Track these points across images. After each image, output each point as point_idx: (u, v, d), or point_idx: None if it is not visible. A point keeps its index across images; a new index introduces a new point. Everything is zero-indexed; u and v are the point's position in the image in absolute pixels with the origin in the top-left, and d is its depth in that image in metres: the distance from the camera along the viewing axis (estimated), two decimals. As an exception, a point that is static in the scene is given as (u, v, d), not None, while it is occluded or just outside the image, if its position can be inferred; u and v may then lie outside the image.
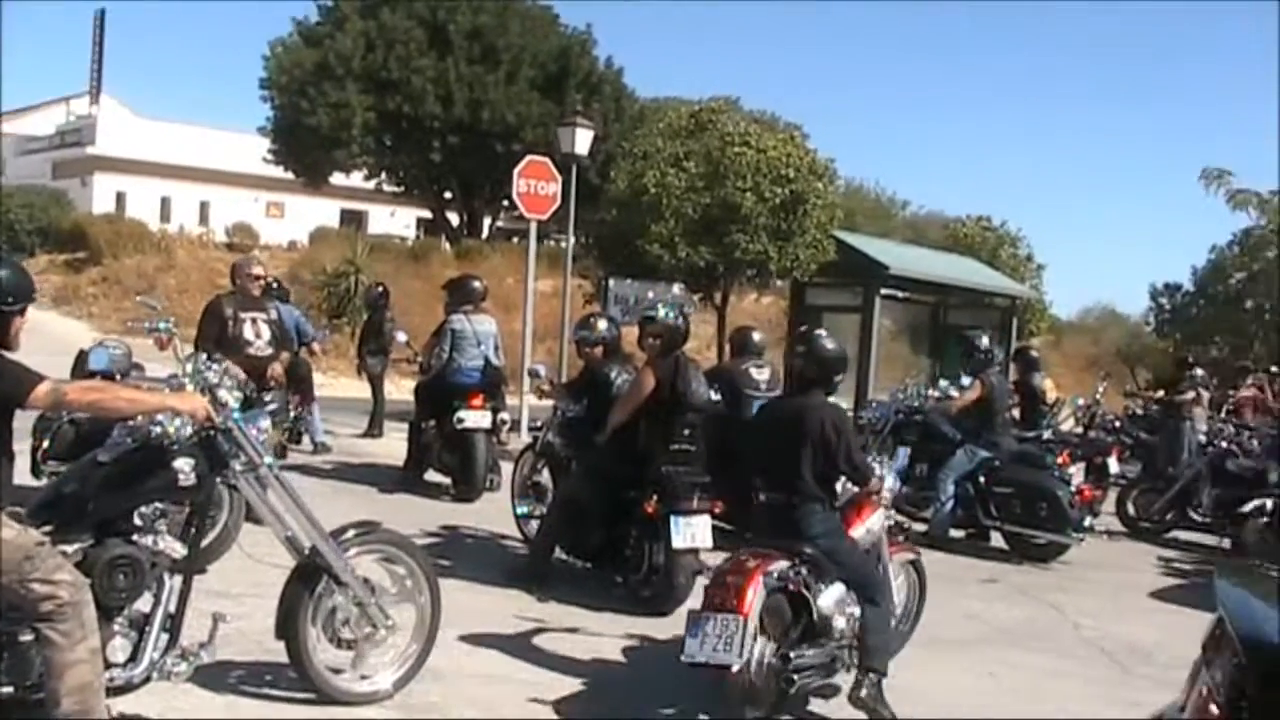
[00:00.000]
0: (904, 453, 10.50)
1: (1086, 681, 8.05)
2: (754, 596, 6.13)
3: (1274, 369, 21.13)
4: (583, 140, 18.56)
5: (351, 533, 6.00)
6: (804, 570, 6.51)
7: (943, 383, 13.92)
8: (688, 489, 8.59)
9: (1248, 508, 12.83)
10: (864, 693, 6.45)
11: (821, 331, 7.31)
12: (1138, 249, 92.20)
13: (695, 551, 8.55)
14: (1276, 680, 3.34)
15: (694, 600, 8.43)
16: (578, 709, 6.52)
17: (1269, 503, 12.42)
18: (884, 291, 19.75)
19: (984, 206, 66.10)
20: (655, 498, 8.49)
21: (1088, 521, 12.25)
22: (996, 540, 12.42)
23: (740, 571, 6.27)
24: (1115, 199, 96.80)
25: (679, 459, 8.77)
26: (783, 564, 6.43)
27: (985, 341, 12.98)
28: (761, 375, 11.19)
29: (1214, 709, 3.55)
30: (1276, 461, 13.24)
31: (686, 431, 8.86)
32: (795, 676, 6.33)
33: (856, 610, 6.67)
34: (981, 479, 12.13)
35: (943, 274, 22.17)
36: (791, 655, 6.36)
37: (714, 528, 8.77)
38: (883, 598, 6.81)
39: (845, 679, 6.71)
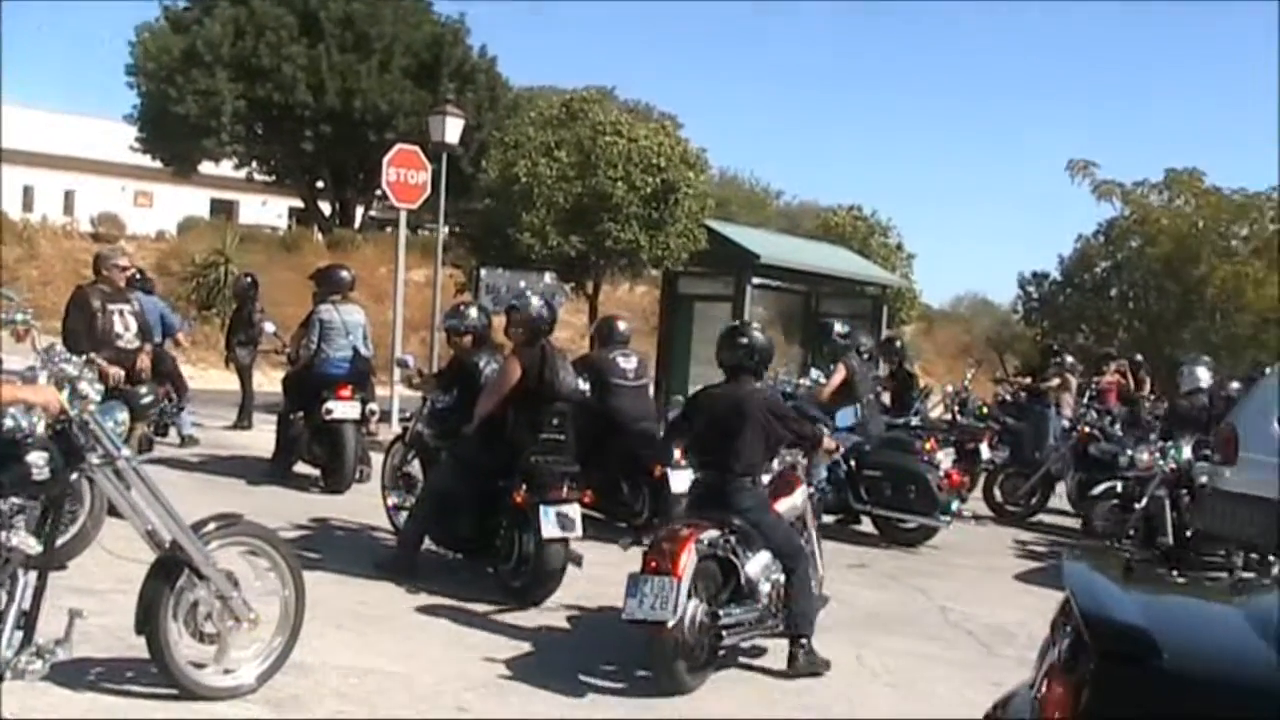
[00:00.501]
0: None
1: (951, 663, 8.19)
2: (687, 561, 6.81)
3: (1139, 357, 21.62)
4: (453, 129, 18.50)
5: (213, 526, 5.93)
6: (733, 539, 7.25)
7: (814, 371, 14.06)
8: (557, 478, 8.61)
9: (1097, 490, 13.09)
10: (800, 662, 7.39)
11: (754, 324, 8.36)
12: (1009, 239, 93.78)
13: (565, 541, 8.57)
14: (1115, 656, 3.42)
15: (564, 590, 8.56)
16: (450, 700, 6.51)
17: (1119, 485, 12.63)
18: (755, 280, 19.88)
19: (857, 196, 66.81)
20: (524, 487, 8.49)
21: (955, 506, 12.47)
22: (866, 525, 12.57)
23: (675, 539, 6.96)
24: (987, 189, 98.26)
25: (548, 448, 8.77)
26: (713, 533, 7.14)
27: (842, 327, 13.17)
28: (629, 364, 11.26)
29: (1058, 686, 3.63)
30: (1130, 446, 13.49)
31: (555, 421, 8.86)
32: (724, 633, 7.05)
33: (780, 577, 7.45)
34: (851, 463, 12.26)
35: (814, 263, 22.37)
36: (720, 614, 7.03)
37: (584, 516, 8.80)
38: (804, 567, 7.59)
39: (768, 642, 7.63)
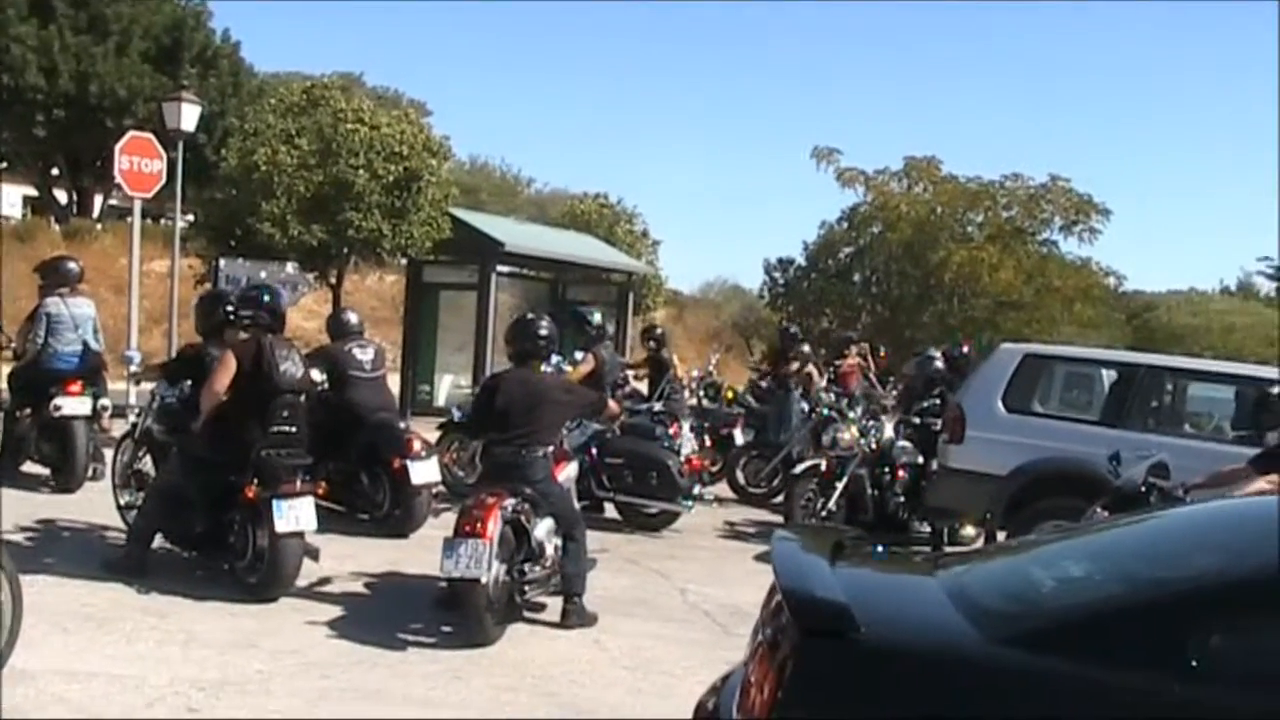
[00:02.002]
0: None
1: (688, 644, 8.29)
2: (494, 525, 7.71)
3: (882, 349, 22.22)
4: (189, 116, 18.10)
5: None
6: (526, 506, 8.16)
7: (555, 358, 14.10)
8: (289, 471, 8.54)
9: (799, 469, 13.23)
10: (572, 619, 8.33)
11: (541, 316, 9.14)
12: (761, 225, 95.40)
13: (300, 534, 8.47)
14: (815, 632, 3.55)
15: (303, 580, 8.49)
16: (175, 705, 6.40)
17: (822, 464, 12.80)
18: (501, 269, 19.92)
19: (608, 184, 67.19)
20: (255, 482, 8.39)
21: (698, 490, 12.63)
22: (610, 511, 12.68)
23: (482, 506, 7.81)
24: (739, 177, 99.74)
25: (278, 441, 8.67)
26: (512, 501, 8.03)
27: (597, 317, 13.24)
28: (366, 355, 11.19)
29: (764, 663, 3.74)
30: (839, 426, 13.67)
31: (285, 413, 8.75)
32: (526, 588, 8.15)
33: (559, 541, 8.45)
34: (594, 450, 12.35)
35: (560, 251, 22.48)
36: (517, 574, 8.06)
37: (320, 508, 8.75)
38: (580, 531, 8.63)
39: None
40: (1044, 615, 3.79)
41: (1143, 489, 8.30)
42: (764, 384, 17.75)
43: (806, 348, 17.76)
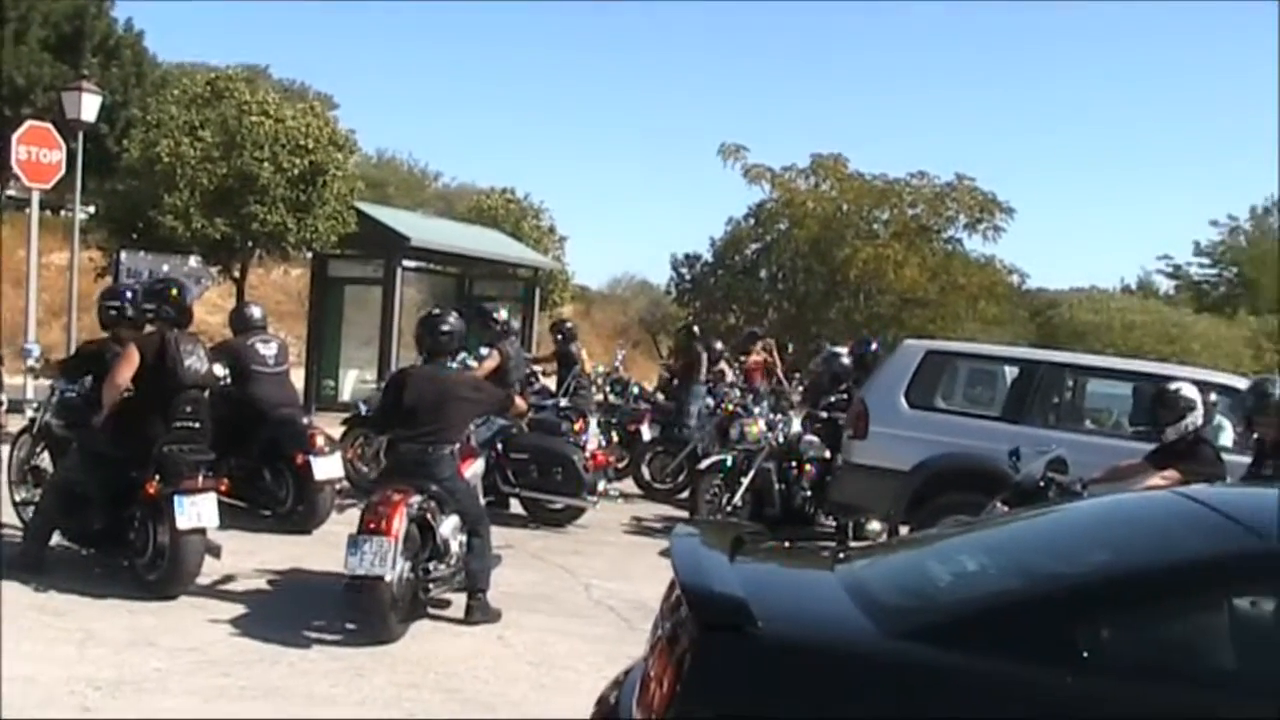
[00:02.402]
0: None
1: (593, 639, 8.32)
2: (400, 523, 7.71)
3: (790, 345, 22.36)
4: (89, 106, 17.79)
5: None
6: (432, 503, 8.18)
7: (462, 354, 14.05)
8: (191, 467, 8.42)
9: (705, 464, 13.29)
10: (476, 615, 8.33)
11: (449, 312, 9.16)
12: (670, 221, 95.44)
13: (202, 531, 8.37)
14: (713, 627, 3.57)
15: (205, 577, 8.40)
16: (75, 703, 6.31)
17: (729, 459, 12.89)
18: (407, 263, 19.87)
19: (516, 179, 67.08)
20: (157, 478, 8.25)
21: (603, 485, 12.66)
22: (516, 507, 12.67)
23: (388, 503, 7.79)
24: (647, 173, 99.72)
25: (181, 437, 8.55)
26: (417, 498, 8.03)
27: (503, 314, 13.23)
28: (269, 350, 11.09)
29: (663, 658, 3.75)
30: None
31: (189, 409, 8.64)
32: (430, 586, 8.19)
33: (465, 538, 8.45)
34: (500, 446, 12.33)
35: (466, 246, 22.43)
36: (422, 572, 8.08)
37: (221, 504, 8.65)
38: (485, 528, 8.62)
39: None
40: (940, 609, 3.84)
41: (1041, 484, 8.45)
42: (675, 381, 17.82)
43: (719, 346, 17.88)
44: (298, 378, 14.80)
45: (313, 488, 10.64)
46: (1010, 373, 12.55)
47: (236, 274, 19.31)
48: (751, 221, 34.82)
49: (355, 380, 20.76)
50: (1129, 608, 3.70)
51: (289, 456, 10.69)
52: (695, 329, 18.61)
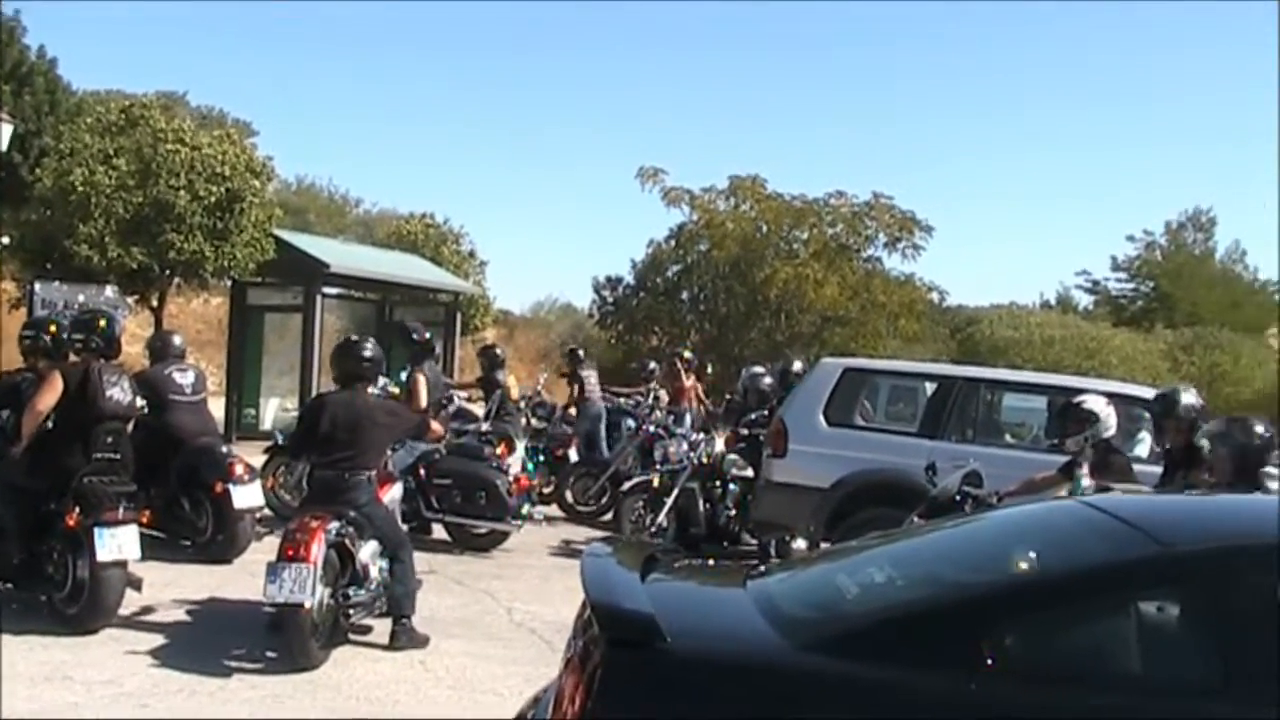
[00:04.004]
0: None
1: (514, 662, 8.30)
2: (318, 549, 7.70)
3: (688, 354, 22.33)
4: (2, 134, 17.61)
5: None
6: (350, 529, 8.20)
7: (382, 380, 14.02)
8: (112, 499, 8.32)
9: (627, 485, 13.37)
10: (401, 640, 8.28)
11: (366, 338, 9.26)
12: (592, 245, 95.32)
13: (123, 563, 8.30)
14: (622, 642, 3.61)
15: (124, 609, 8.33)
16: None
17: (655, 479, 12.96)
18: (327, 290, 19.83)
19: (436, 204, 66.68)
20: (77, 509, 8.16)
21: (527, 509, 12.65)
22: (439, 532, 12.64)
23: (306, 529, 7.77)
24: (568, 197, 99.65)
25: (102, 468, 8.49)
26: (336, 524, 8.04)
27: (425, 335, 13.24)
28: (186, 379, 11.02)
29: (573, 676, 3.79)
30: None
31: (109, 439, 8.58)
32: (351, 612, 8.18)
33: (385, 563, 8.45)
34: (422, 471, 12.31)
35: (386, 272, 22.41)
36: (342, 598, 8.06)
37: (144, 536, 8.58)
38: (407, 553, 8.61)
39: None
40: (846, 620, 3.90)
41: (957, 497, 8.56)
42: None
43: (654, 366, 18.03)
44: (218, 407, 14.73)
45: (232, 517, 10.58)
46: (928, 389, 12.68)
47: (154, 303, 19.17)
48: (672, 243, 35.06)
49: (276, 408, 20.63)
50: (1033, 615, 3.79)
51: (208, 485, 10.61)
52: (578, 351, 18.72)
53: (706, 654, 3.76)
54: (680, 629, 3.67)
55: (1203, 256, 56.37)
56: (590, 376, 17.47)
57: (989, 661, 3.59)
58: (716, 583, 4.89)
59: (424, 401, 12.21)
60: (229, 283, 20.78)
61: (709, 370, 22.44)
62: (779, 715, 3.55)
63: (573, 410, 17.48)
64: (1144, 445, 11.01)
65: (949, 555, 4.53)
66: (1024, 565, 4.18)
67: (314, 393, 17.12)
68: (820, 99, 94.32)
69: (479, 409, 15.08)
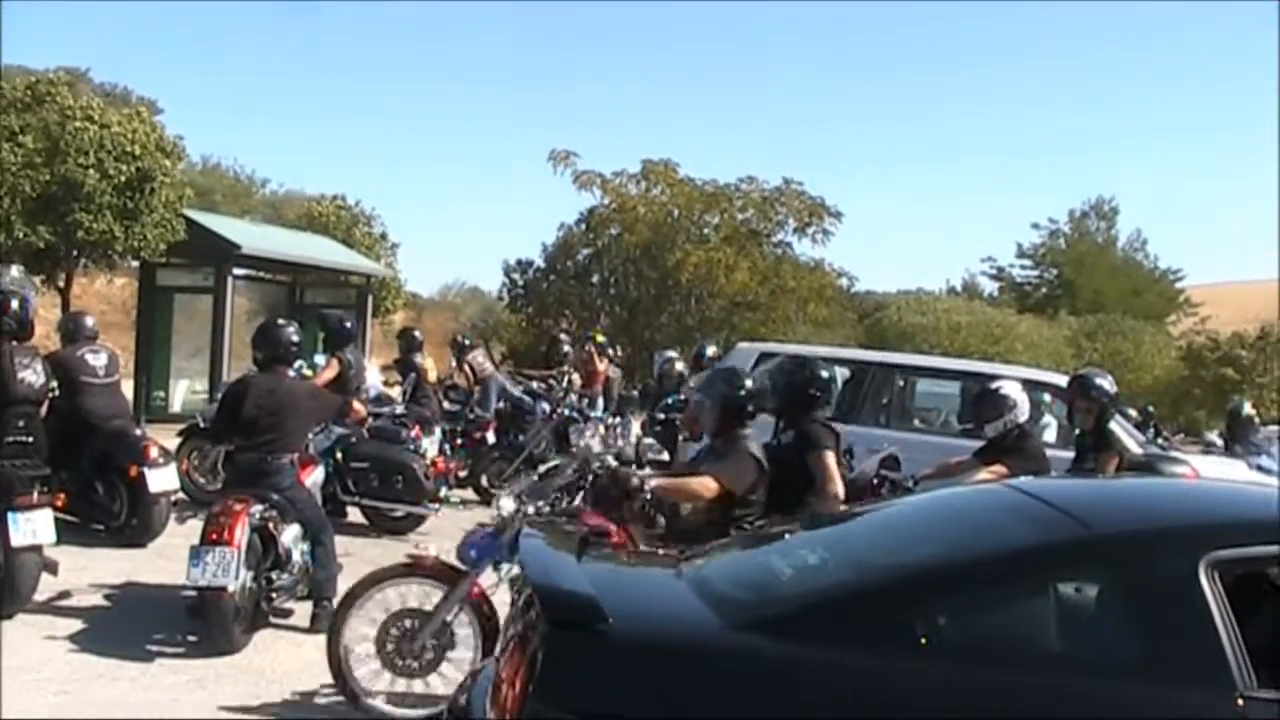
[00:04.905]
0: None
1: (435, 645, 8.33)
2: (242, 533, 7.70)
3: (601, 339, 22.41)
4: (-100, 114, 17.33)
5: None
6: (273, 512, 8.23)
7: (299, 363, 13.93)
8: (25, 483, 8.24)
9: (542, 469, 13.34)
10: (323, 623, 7.86)
11: (288, 322, 9.30)
12: (500, 228, 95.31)
13: (38, 548, 8.19)
14: (565, 624, 3.65)
15: (40, 594, 8.23)
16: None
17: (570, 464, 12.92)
18: (237, 271, 19.65)
19: (344, 186, 66.22)
20: (-12, 494, 8.08)
21: (444, 492, 12.65)
22: (356, 515, 12.58)
23: (229, 513, 7.76)
24: (477, 179, 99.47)
25: (14, 452, 8.44)
26: (259, 507, 8.07)
27: (347, 323, 13.15)
28: (99, 361, 10.83)
29: (515, 657, 3.82)
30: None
31: (21, 423, 8.55)
32: (273, 595, 8.19)
33: (307, 547, 8.49)
34: (340, 454, 12.24)
35: (298, 253, 22.28)
36: (264, 581, 8.11)
37: (58, 521, 8.48)
38: (328, 536, 8.66)
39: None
40: (781, 601, 3.96)
41: (875, 481, 8.66)
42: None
43: (567, 349, 18.05)
44: (126, 389, 14.54)
45: (147, 500, 10.45)
46: (842, 374, 12.81)
47: (61, 284, 18.89)
48: (583, 227, 35.09)
49: (186, 391, 20.42)
50: (963, 595, 3.87)
51: (122, 469, 10.47)
52: (458, 338, 18.70)
53: (647, 635, 3.80)
54: (621, 610, 3.71)
55: (1105, 245, 57.36)
56: (477, 355, 17.42)
57: (921, 640, 3.67)
58: (650, 565, 4.94)
59: (329, 377, 12.15)
60: (136, 263, 20.52)
61: (617, 352, 22.44)
62: (718, 694, 3.60)
63: (476, 394, 17.45)
64: (1051, 430, 11.21)
65: (881, 538, 4.60)
66: (953, 547, 4.26)
67: (224, 375, 17.04)
68: (734, 87, 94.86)
69: (396, 392, 15.03)
